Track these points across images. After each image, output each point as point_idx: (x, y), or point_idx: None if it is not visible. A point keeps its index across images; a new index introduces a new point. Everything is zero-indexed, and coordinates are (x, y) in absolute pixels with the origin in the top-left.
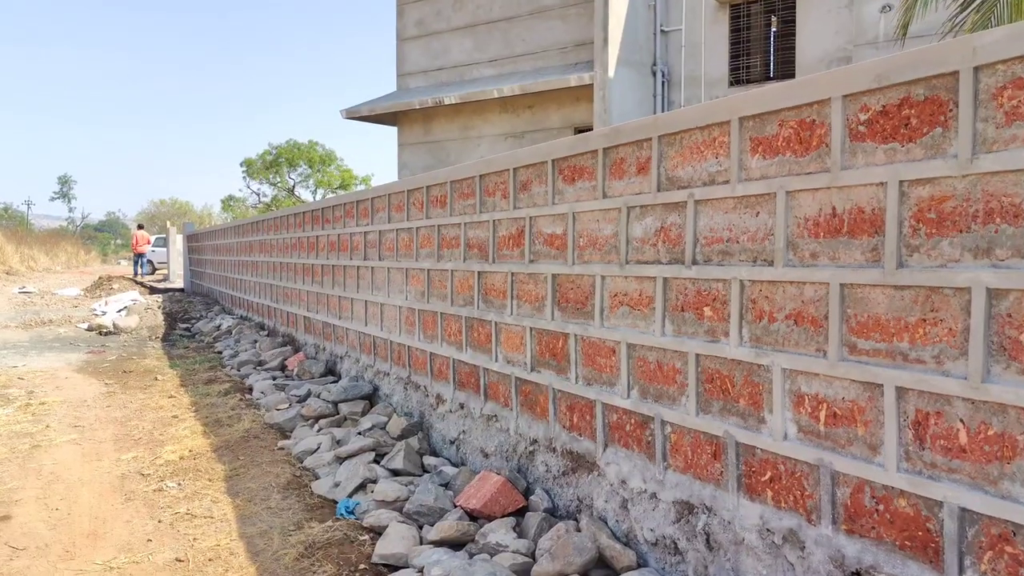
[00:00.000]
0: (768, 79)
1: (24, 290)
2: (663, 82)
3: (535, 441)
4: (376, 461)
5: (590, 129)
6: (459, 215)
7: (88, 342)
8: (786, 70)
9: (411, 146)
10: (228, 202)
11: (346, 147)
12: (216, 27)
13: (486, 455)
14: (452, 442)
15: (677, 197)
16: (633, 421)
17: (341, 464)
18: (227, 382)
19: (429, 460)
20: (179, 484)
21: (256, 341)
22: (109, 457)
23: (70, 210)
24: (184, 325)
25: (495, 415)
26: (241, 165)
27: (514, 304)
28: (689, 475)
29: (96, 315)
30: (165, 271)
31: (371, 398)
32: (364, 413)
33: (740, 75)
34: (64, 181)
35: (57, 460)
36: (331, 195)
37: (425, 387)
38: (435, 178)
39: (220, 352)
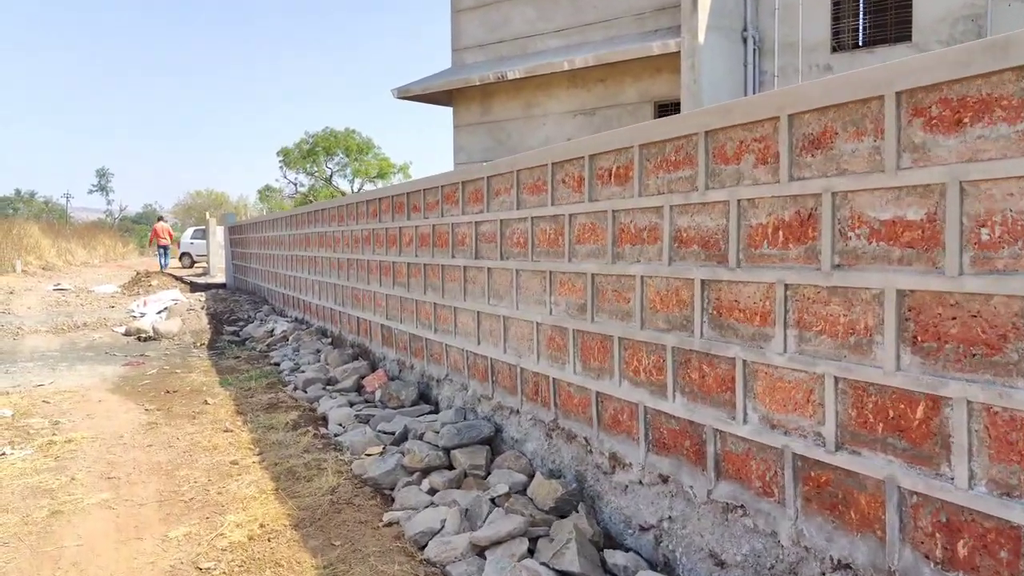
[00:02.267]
0: (879, 43)
1: (59, 287)
2: (754, 49)
3: (845, 566)
4: (530, 551)
5: (673, 103)
6: (657, 194)
7: (125, 350)
8: (901, 32)
9: (468, 127)
10: (265, 192)
11: (388, 135)
12: (252, 13)
13: (720, 563)
14: (645, 529)
15: None
16: None
17: (485, 559)
18: (293, 408)
19: (614, 558)
20: None
21: (319, 351)
22: (152, 533)
23: (108, 203)
24: (231, 328)
25: (741, 505)
26: (278, 155)
27: (787, 335)
28: None
29: (134, 317)
30: (204, 264)
31: (491, 442)
32: (489, 466)
33: (844, 39)
34: (102, 174)
35: (83, 537)
36: (369, 186)
37: (587, 440)
38: (606, 143)
39: (278, 364)
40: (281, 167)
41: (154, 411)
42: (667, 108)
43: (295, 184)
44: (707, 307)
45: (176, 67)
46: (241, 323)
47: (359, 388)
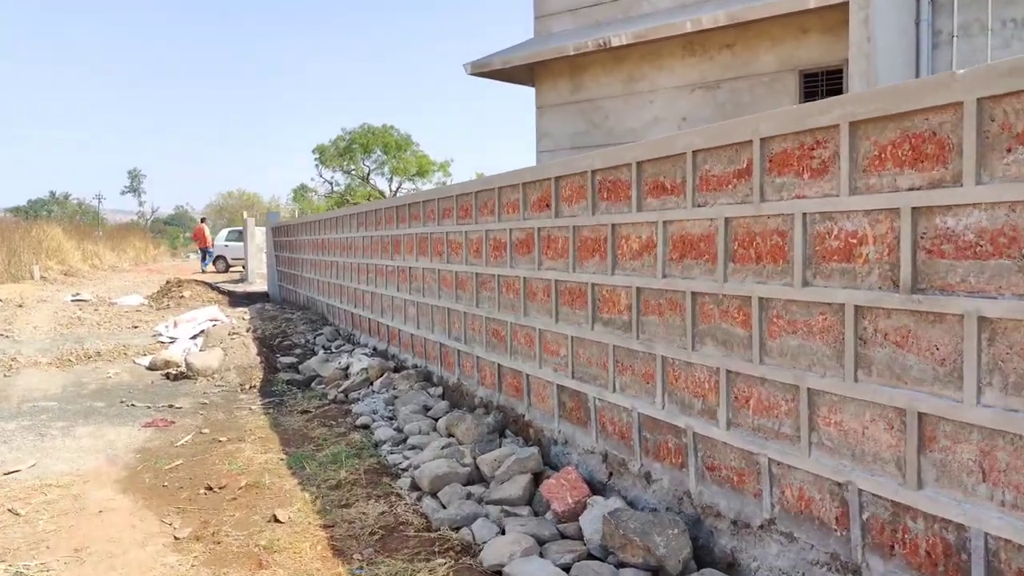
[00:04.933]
0: None
1: (78, 297)
2: (929, 2)
3: None
4: None
5: (826, 72)
6: None
7: (148, 397)
8: None
9: (553, 108)
10: (300, 192)
11: (426, 134)
12: (282, 8)
13: None
14: None
15: None
16: None
17: None
18: (431, 545)
19: None
20: None
21: (428, 408)
22: None
23: (140, 204)
24: (287, 360)
25: None
26: (313, 152)
27: None
28: None
29: (161, 343)
30: (240, 270)
31: None
32: None
33: None
34: (134, 175)
35: None
36: (408, 184)
37: None
38: None
39: (367, 427)
40: (317, 165)
41: (189, 542)
42: (815, 79)
43: (331, 183)
44: None
45: (207, 66)
46: (298, 351)
47: (531, 498)
